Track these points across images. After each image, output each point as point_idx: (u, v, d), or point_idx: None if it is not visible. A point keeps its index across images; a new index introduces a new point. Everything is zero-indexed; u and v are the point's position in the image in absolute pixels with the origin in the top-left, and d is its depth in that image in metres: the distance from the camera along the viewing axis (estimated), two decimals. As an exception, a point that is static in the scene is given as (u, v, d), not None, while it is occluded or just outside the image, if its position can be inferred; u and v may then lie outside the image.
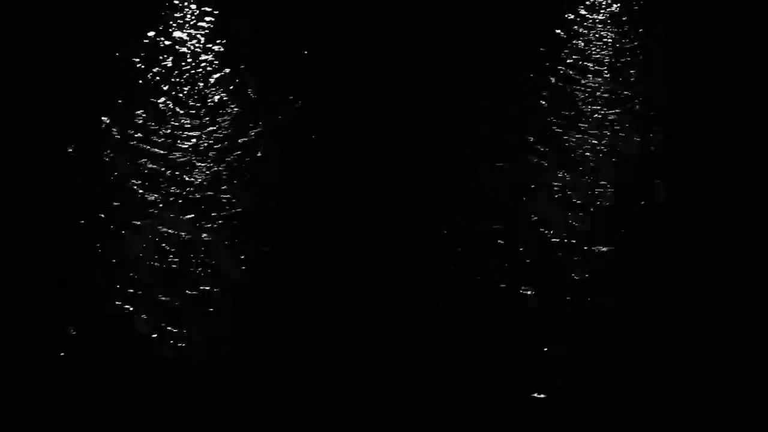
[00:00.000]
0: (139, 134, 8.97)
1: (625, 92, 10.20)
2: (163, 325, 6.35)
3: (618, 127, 9.39)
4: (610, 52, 11.29)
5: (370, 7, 12.53)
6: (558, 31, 11.93)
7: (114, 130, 9.05)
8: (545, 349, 6.22)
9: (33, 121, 9.14)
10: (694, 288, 6.89)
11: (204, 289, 6.75)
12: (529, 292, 6.81)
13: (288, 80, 10.33)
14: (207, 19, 12.07)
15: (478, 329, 6.41)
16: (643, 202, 8.03)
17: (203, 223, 7.57)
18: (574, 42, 11.56)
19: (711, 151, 8.92)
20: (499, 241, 7.45)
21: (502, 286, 6.88)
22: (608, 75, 10.62)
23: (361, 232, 7.53)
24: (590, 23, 12.26)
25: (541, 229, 7.61)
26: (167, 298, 6.63)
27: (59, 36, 11.23)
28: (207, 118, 9.35)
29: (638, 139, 9.15)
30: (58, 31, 11.38)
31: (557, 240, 7.47)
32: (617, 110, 9.77)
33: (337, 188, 8.16)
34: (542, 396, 5.80)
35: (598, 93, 10.16)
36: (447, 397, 5.79)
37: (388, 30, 11.82)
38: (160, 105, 9.59)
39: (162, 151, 8.65)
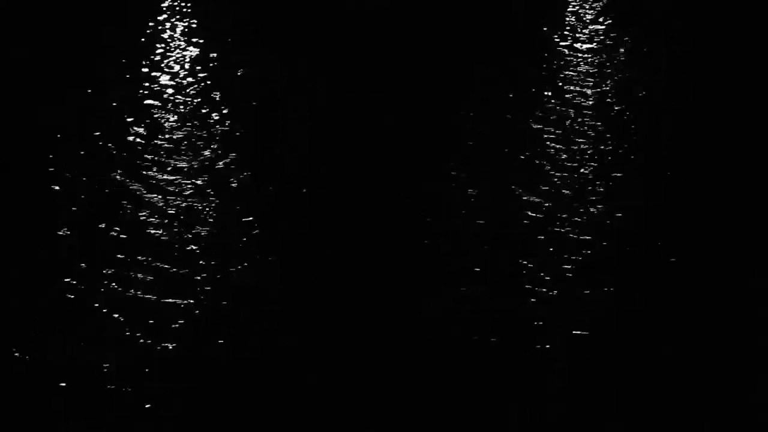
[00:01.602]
0: (139, 134, 8.97)
1: (625, 92, 10.20)
2: (163, 325, 6.35)
3: (617, 127, 9.40)
4: (610, 53, 11.29)
5: (370, 7, 12.54)
6: (557, 31, 11.94)
7: (114, 128, 9.06)
8: (545, 350, 6.23)
9: (33, 121, 9.14)
10: (694, 288, 6.89)
11: (204, 290, 6.75)
12: (528, 292, 6.81)
13: (288, 80, 10.33)
14: (207, 19, 12.08)
15: (478, 329, 6.41)
16: (643, 203, 8.03)
17: (203, 223, 7.57)
18: (572, 42, 11.57)
19: (711, 152, 8.93)
20: (498, 240, 7.45)
21: (502, 285, 6.88)
22: (608, 75, 10.63)
23: (360, 232, 7.53)
24: (589, 24, 12.26)
25: (540, 229, 7.61)
26: (167, 299, 6.63)
27: (59, 36, 11.23)
28: (206, 118, 9.36)
29: (638, 140, 9.15)
30: (58, 31, 11.39)
31: (557, 240, 7.47)
32: (616, 110, 9.77)
33: (337, 188, 8.16)
34: (542, 396, 5.80)
35: (597, 93, 10.16)
36: (446, 396, 5.79)
37: (388, 30, 11.83)
38: (160, 105, 9.60)
39: (161, 152, 8.65)
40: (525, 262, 7.16)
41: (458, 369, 6.03)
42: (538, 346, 6.26)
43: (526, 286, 6.88)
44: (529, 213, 7.84)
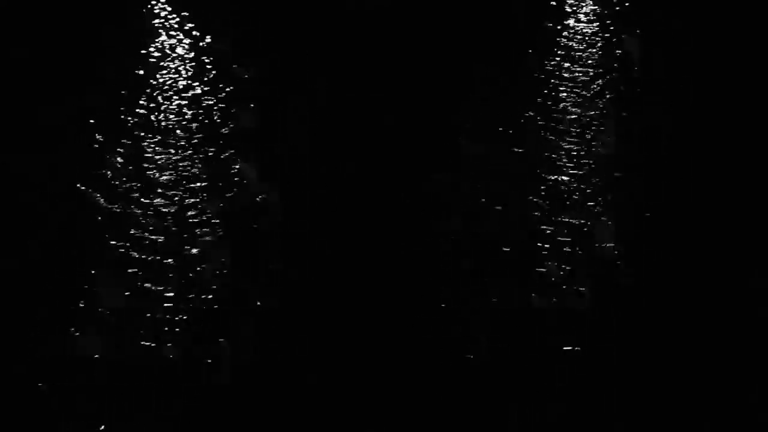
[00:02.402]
0: (137, 135, 8.97)
1: (624, 92, 10.20)
2: (162, 326, 6.35)
3: (613, 127, 9.39)
4: (606, 53, 11.30)
5: (370, 7, 12.54)
6: (557, 31, 11.94)
7: (114, 128, 9.05)
8: (544, 351, 6.23)
9: (33, 121, 9.14)
10: (693, 288, 6.88)
11: (204, 290, 6.75)
12: (528, 292, 6.81)
13: (288, 80, 10.33)
14: (206, 19, 12.08)
15: (478, 328, 6.41)
16: (642, 203, 8.03)
17: (202, 224, 7.57)
18: (571, 43, 11.57)
19: (710, 152, 8.92)
20: (497, 240, 7.45)
21: (501, 285, 6.88)
22: (604, 77, 10.63)
23: (360, 231, 7.53)
24: (589, 24, 12.27)
25: (540, 229, 7.61)
26: (166, 299, 6.63)
27: (59, 36, 11.23)
28: (205, 118, 9.35)
29: (635, 140, 9.15)
30: (58, 31, 11.39)
31: (555, 240, 7.47)
32: (615, 111, 9.77)
33: (337, 188, 8.15)
34: (542, 397, 5.80)
35: (596, 95, 10.16)
36: (446, 396, 5.79)
37: (388, 30, 11.82)
38: (158, 104, 9.59)
39: (158, 151, 8.65)
40: (524, 262, 7.16)
41: (457, 369, 6.02)
42: (538, 347, 6.26)
43: (526, 287, 6.88)
44: (528, 211, 7.84)
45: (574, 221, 7.72)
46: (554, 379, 5.95)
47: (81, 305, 6.51)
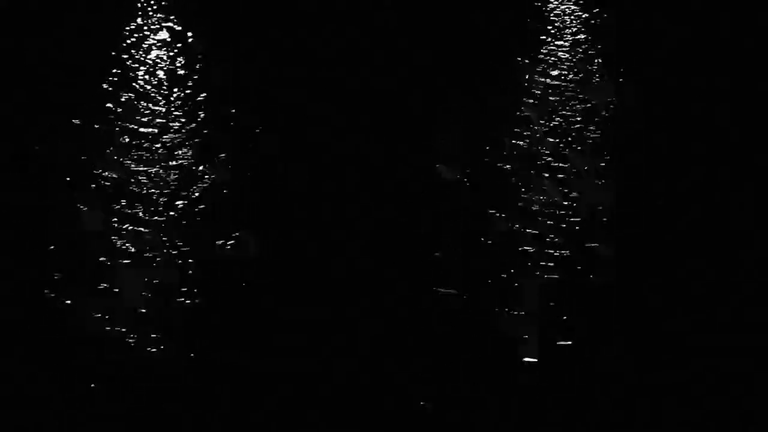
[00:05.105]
0: (135, 136, 8.96)
1: (619, 95, 10.23)
2: (158, 326, 6.35)
3: (613, 129, 9.42)
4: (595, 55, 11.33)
5: (367, 6, 12.56)
6: (556, 32, 11.97)
7: (113, 125, 9.05)
8: (543, 351, 6.25)
9: (30, 118, 9.14)
10: (692, 290, 6.91)
11: (201, 290, 6.75)
12: (524, 291, 6.83)
13: (285, 79, 10.33)
14: (202, 17, 12.08)
15: (478, 328, 6.42)
16: (641, 203, 8.06)
17: (196, 224, 7.57)
18: (568, 40, 11.61)
19: (707, 159, 8.96)
20: (496, 241, 7.46)
21: (501, 285, 6.89)
22: (594, 76, 10.66)
23: (357, 232, 7.54)
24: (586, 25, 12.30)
25: (536, 229, 7.63)
26: (163, 299, 6.63)
27: (42, 32, 11.23)
28: (201, 118, 9.35)
29: (635, 142, 9.18)
30: (40, 27, 11.38)
31: (552, 240, 7.49)
32: (611, 111, 9.80)
33: (334, 188, 8.16)
34: (541, 397, 5.82)
35: (587, 95, 10.19)
36: (444, 397, 5.80)
37: (385, 30, 11.84)
38: (154, 104, 9.59)
39: (158, 149, 8.65)
40: (521, 264, 7.18)
41: (455, 369, 6.04)
42: (536, 343, 6.28)
43: (524, 287, 6.90)
44: (525, 212, 7.86)
45: (570, 220, 7.75)
46: (553, 379, 5.96)
47: (73, 306, 6.51)
